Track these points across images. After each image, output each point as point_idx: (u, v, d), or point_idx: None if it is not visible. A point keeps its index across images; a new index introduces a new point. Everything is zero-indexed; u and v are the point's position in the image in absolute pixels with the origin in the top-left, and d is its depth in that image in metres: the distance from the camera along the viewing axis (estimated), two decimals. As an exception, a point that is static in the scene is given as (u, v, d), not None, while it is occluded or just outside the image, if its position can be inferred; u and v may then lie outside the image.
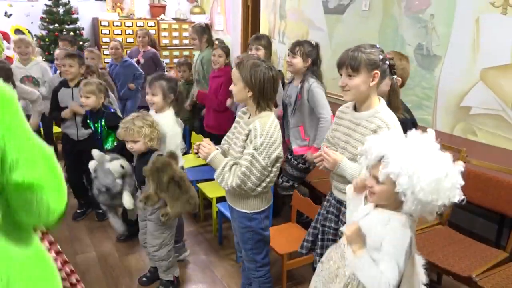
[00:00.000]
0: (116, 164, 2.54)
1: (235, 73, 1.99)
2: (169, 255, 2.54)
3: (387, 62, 1.75)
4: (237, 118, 2.16)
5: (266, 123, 1.93)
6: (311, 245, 2.13)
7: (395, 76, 1.86)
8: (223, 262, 2.96)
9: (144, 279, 2.75)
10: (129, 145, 2.41)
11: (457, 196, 1.32)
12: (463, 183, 1.33)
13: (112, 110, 3.15)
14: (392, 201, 1.40)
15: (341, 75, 1.78)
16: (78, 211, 3.57)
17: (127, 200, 2.56)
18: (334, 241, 1.99)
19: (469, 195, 2.52)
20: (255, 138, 1.91)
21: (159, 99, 2.57)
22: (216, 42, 4.07)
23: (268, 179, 2.00)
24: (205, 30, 4.15)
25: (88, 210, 3.60)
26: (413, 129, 2.19)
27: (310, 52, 2.93)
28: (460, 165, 1.33)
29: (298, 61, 2.93)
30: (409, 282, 1.43)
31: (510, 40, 3.01)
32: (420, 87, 3.71)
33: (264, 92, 1.95)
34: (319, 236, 2.09)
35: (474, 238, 2.51)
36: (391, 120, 1.74)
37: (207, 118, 3.94)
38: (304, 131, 3.02)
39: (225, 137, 2.24)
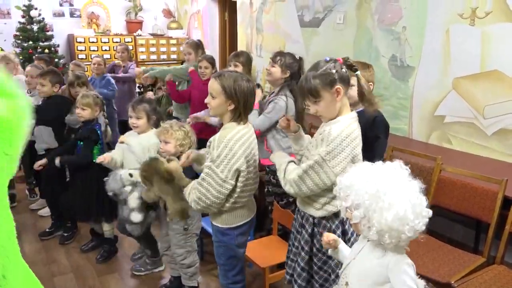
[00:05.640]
0: (126, 172, 2.59)
1: (215, 86, 1.91)
2: (194, 262, 2.62)
3: (343, 68, 1.72)
4: None
5: (226, 135, 1.88)
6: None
7: (358, 72, 1.79)
8: (205, 277, 2.91)
9: None
10: (160, 145, 2.47)
11: (423, 226, 1.35)
12: (430, 214, 1.37)
13: (96, 126, 3.10)
14: None
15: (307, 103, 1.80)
16: (47, 230, 3.48)
17: (133, 201, 2.58)
18: (293, 260, 1.98)
19: (446, 202, 2.63)
20: (213, 150, 1.90)
21: (144, 121, 2.68)
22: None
23: (235, 195, 1.94)
24: (199, 45, 4.27)
25: (57, 232, 3.48)
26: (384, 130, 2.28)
27: (290, 65, 2.85)
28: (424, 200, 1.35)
29: (276, 70, 2.87)
30: None
31: (479, 50, 3.11)
32: (395, 97, 3.78)
33: (248, 105, 1.95)
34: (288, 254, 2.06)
35: (453, 245, 2.54)
36: (336, 131, 1.70)
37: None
38: (267, 142, 2.98)
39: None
